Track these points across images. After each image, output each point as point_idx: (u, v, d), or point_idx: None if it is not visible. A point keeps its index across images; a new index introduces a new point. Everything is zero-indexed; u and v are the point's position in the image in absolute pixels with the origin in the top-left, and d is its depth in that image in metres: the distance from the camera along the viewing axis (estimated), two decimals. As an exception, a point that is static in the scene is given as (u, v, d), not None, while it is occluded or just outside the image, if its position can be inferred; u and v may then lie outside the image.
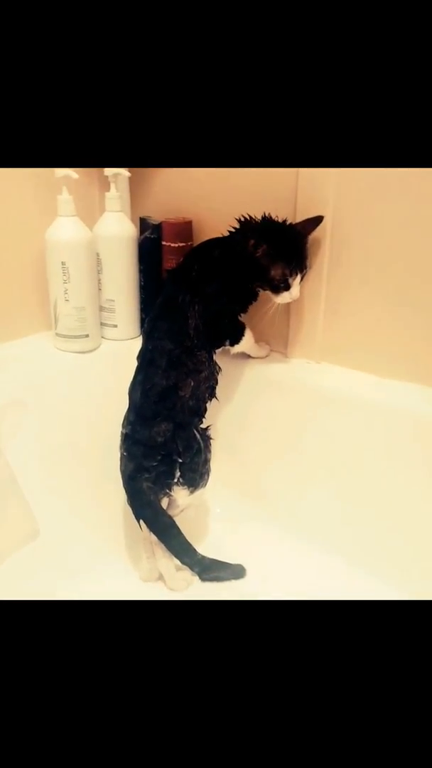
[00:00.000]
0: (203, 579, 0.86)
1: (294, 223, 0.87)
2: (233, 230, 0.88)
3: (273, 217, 0.86)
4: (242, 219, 0.87)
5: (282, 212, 0.87)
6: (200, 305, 0.85)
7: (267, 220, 0.86)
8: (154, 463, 0.81)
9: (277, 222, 0.86)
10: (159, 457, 0.81)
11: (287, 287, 0.87)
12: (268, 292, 0.88)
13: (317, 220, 0.87)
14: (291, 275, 0.86)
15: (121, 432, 0.86)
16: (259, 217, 0.87)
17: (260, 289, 0.89)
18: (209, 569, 0.86)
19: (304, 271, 0.88)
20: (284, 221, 0.86)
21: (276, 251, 0.85)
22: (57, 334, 1.01)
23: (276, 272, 0.85)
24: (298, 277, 0.87)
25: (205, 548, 0.88)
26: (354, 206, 0.86)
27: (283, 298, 0.88)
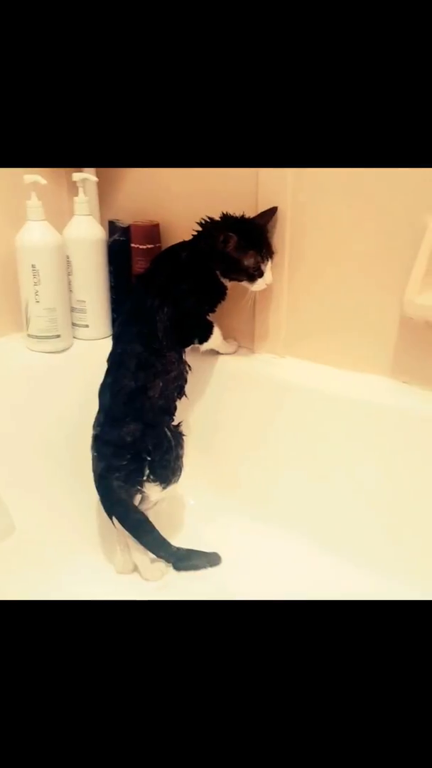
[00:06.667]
0: (178, 568, 0.87)
1: (250, 217, 0.91)
2: (196, 233, 0.91)
3: (231, 213, 0.90)
4: (203, 221, 0.90)
5: (244, 211, 0.90)
6: (169, 308, 0.88)
7: (227, 217, 0.90)
8: (124, 462, 0.84)
9: (237, 217, 0.90)
10: (129, 456, 0.84)
11: (261, 274, 0.90)
12: (245, 283, 0.91)
13: (272, 211, 0.91)
14: (263, 261, 0.89)
15: (92, 434, 0.88)
16: (217, 216, 0.90)
17: (237, 281, 0.92)
18: (184, 559, 0.88)
19: (272, 256, 0.92)
20: (242, 216, 0.90)
21: (245, 242, 0.88)
22: (29, 335, 1.03)
23: (249, 261, 0.89)
24: (269, 263, 0.91)
25: (181, 540, 0.91)
26: (309, 205, 0.89)
27: (259, 285, 0.91)
